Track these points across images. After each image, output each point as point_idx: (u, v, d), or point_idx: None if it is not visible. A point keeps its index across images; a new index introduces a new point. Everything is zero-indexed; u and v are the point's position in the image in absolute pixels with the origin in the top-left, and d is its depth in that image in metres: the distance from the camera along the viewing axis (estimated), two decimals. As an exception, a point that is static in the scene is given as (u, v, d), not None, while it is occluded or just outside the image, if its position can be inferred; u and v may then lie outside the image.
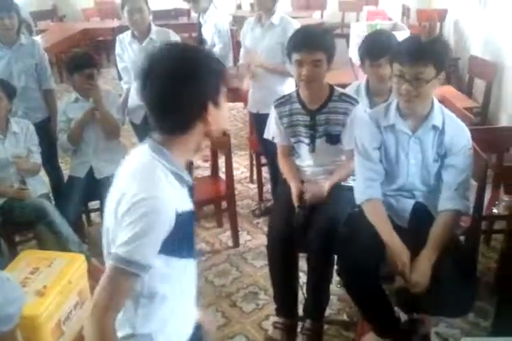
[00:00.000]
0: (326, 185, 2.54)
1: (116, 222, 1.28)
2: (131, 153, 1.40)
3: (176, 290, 1.38)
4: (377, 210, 2.24)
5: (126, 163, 1.37)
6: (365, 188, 2.26)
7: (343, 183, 2.59)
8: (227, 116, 1.44)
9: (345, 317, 2.74)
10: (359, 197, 2.28)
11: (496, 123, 4.41)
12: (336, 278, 2.61)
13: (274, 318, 2.67)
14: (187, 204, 1.34)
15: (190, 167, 1.50)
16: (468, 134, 2.22)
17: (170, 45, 1.35)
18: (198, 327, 1.55)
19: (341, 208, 2.46)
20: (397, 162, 2.26)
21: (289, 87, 3.50)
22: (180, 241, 1.31)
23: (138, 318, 1.35)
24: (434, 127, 2.17)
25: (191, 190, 1.39)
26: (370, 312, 2.31)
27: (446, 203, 2.17)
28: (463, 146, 2.18)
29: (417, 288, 2.04)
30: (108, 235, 1.34)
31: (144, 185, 1.26)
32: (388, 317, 2.30)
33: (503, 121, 4.36)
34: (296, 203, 2.51)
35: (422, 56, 2.02)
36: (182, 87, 1.26)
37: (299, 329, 2.58)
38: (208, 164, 3.91)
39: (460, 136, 2.19)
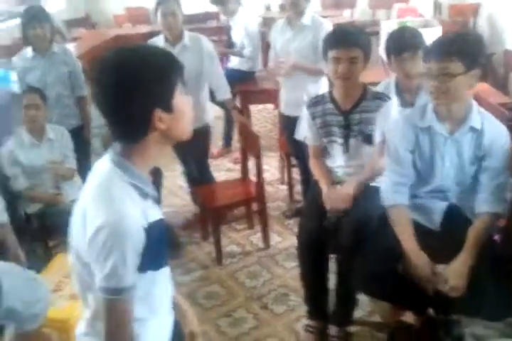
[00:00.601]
0: (350, 189, 2.50)
1: (85, 243, 1.25)
2: (95, 165, 1.36)
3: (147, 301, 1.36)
4: (402, 218, 2.20)
5: (90, 175, 1.34)
6: (392, 193, 2.24)
7: (373, 184, 2.56)
8: (188, 116, 1.33)
9: (377, 318, 2.71)
10: (386, 201, 2.26)
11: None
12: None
13: (305, 321, 2.66)
14: (153, 215, 1.30)
15: (156, 176, 1.42)
16: (507, 133, 2.16)
17: (113, 53, 1.27)
18: (176, 326, 1.54)
19: (372, 210, 2.43)
20: (431, 164, 2.21)
21: (322, 87, 3.48)
22: (156, 252, 1.29)
23: None
24: (473, 129, 2.13)
25: (157, 199, 1.37)
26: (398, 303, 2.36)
27: (484, 206, 2.12)
28: (502, 148, 2.13)
29: (454, 292, 2.00)
30: (78, 250, 1.31)
31: (104, 208, 1.22)
32: (418, 303, 2.29)
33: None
34: (327, 206, 2.49)
35: (445, 51, 2.01)
36: (122, 99, 1.21)
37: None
38: (238, 166, 3.92)
39: (499, 137, 2.14)
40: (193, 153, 3.50)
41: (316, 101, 2.66)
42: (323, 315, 2.59)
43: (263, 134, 5.11)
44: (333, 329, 2.55)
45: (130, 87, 1.21)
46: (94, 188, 1.28)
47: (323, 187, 2.55)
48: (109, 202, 1.22)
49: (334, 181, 2.63)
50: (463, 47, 2.02)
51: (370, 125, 2.52)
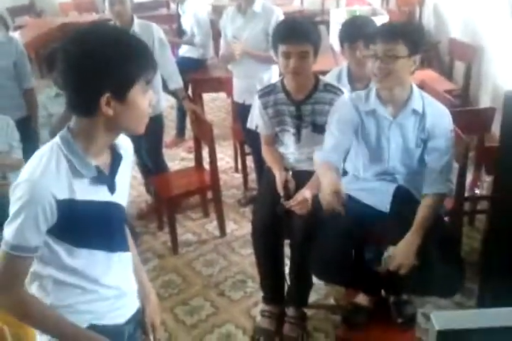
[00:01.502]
0: (307, 194, 2.40)
1: None
2: None
3: (90, 279, 1.41)
4: (329, 168, 2.22)
5: None
6: (326, 153, 2.30)
7: None
8: (142, 113, 1.32)
9: (332, 301, 2.78)
10: (317, 161, 2.32)
11: (477, 105, 4.43)
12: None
13: (261, 306, 2.69)
14: (85, 195, 1.32)
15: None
16: (450, 117, 2.25)
17: (93, 26, 1.33)
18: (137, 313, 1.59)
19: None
20: (378, 147, 2.28)
21: (274, 74, 3.49)
22: (79, 229, 1.33)
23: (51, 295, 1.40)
24: (415, 111, 2.20)
25: (103, 181, 1.37)
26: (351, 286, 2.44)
27: (430, 187, 2.19)
28: (445, 129, 2.21)
29: (401, 270, 2.07)
30: None
31: (27, 170, 1.28)
32: (371, 284, 2.37)
33: (484, 103, 4.38)
34: (280, 192, 2.52)
35: (392, 33, 2.10)
36: (80, 70, 1.23)
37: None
38: (192, 155, 3.91)
39: (441, 119, 2.22)
40: (147, 142, 3.47)
41: (267, 91, 2.66)
42: (280, 300, 2.63)
43: (217, 123, 5.10)
44: (290, 311, 2.59)
45: (91, 63, 1.22)
46: (34, 154, 1.33)
47: (276, 173, 2.57)
48: (35, 166, 1.27)
49: (286, 167, 2.66)
50: (408, 32, 2.12)
51: (322, 116, 2.54)
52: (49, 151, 1.31)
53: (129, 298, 1.55)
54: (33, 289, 1.39)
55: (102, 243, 1.40)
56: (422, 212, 2.15)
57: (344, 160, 2.40)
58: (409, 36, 2.11)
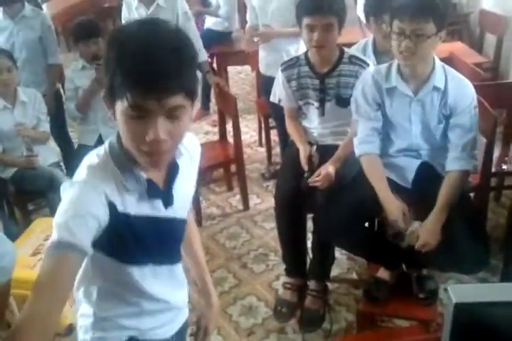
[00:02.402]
0: (330, 169, 2.42)
1: None
2: None
3: (135, 292, 1.29)
4: (374, 164, 2.24)
5: None
6: (363, 144, 2.27)
7: None
8: (125, 131, 1.08)
9: (354, 275, 2.79)
10: (357, 152, 2.29)
11: (507, 79, 4.32)
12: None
13: (284, 279, 2.72)
14: (136, 209, 1.19)
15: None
16: (473, 92, 2.17)
17: (146, 21, 1.10)
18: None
19: (347, 169, 2.46)
20: (399, 124, 2.24)
21: (301, 46, 3.44)
22: (127, 245, 1.19)
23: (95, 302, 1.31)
24: (436, 88, 2.14)
25: (156, 195, 1.22)
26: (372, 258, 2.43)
27: (454, 163, 2.15)
28: (468, 105, 2.14)
29: (426, 248, 2.06)
30: None
31: (80, 171, 1.16)
32: (391, 259, 2.36)
33: (515, 76, 4.27)
34: (304, 166, 2.51)
35: (421, 10, 1.99)
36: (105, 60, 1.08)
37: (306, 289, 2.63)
38: (216, 129, 3.91)
39: (464, 95, 2.15)
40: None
41: (291, 64, 2.63)
42: (301, 273, 2.65)
43: (241, 96, 5.08)
44: (312, 284, 2.61)
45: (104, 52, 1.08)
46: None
47: (300, 147, 2.56)
48: (90, 167, 1.16)
49: (310, 142, 2.64)
50: (436, 8, 2.02)
51: (346, 89, 2.51)
52: (100, 160, 1.17)
53: (177, 312, 1.45)
54: (80, 295, 1.33)
55: (151, 259, 1.27)
56: (445, 189, 2.11)
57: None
58: (438, 12, 2.00)
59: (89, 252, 1.08)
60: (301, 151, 2.55)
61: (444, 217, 2.07)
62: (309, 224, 2.62)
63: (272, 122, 3.87)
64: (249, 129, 4.55)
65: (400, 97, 2.19)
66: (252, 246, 3.14)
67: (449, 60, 3.25)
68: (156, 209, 1.23)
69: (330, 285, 2.68)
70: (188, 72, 1.06)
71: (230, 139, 3.53)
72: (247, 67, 5.44)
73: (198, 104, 4.91)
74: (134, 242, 1.20)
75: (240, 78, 5.78)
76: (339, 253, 2.72)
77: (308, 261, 2.65)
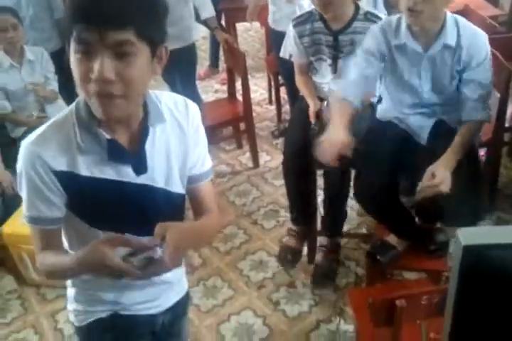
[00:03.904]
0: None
1: None
2: None
3: None
4: (342, 106, 2.12)
5: None
6: (348, 88, 2.17)
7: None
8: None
9: (364, 230, 2.80)
10: (339, 92, 2.18)
11: (523, 32, 4.20)
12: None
13: (289, 226, 2.75)
14: (95, 170, 1.13)
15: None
16: (487, 44, 2.09)
17: None
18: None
19: (359, 124, 2.43)
20: (410, 81, 2.18)
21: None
22: (92, 208, 1.16)
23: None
24: (447, 46, 2.06)
25: (120, 158, 1.14)
26: (389, 224, 2.35)
27: (468, 114, 2.10)
28: (482, 59, 2.07)
29: (443, 186, 1.92)
30: None
31: (36, 131, 1.14)
32: (407, 226, 2.34)
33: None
34: (312, 120, 2.48)
35: None
36: None
37: (318, 244, 2.65)
38: (225, 87, 3.87)
39: (478, 49, 2.07)
40: (180, 74, 3.43)
41: (303, 20, 2.55)
42: (307, 221, 2.65)
43: (250, 54, 5.00)
44: (324, 240, 2.63)
45: None
46: None
47: (310, 102, 2.52)
48: (40, 130, 1.13)
49: (321, 97, 2.61)
50: None
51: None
52: (62, 115, 1.14)
53: (166, 289, 1.37)
54: None
55: (113, 226, 1.17)
56: (459, 137, 2.05)
57: (373, 89, 2.31)
58: None
59: (59, 216, 1.17)
60: (311, 106, 2.51)
61: (454, 161, 1.98)
62: (319, 182, 2.61)
63: (281, 80, 3.82)
64: (259, 87, 4.49)
65: (409, 54, 2.12)
66: (262, 202, 3.15)
67: (464, 13, 3.15)
68: (122, 174, 1.15)
69: (340, 241, 2.70)
70: (143, 7, 1.00)
71: (239, 97, 3.50)
72: (256, 24, 5.33)
73: (206, 62, 4.85)
74: (92, 205, 1.15)
75: (249, 35, 5.67)
76: (349, 209, 2.72)
77: (319, 217, 2.66)
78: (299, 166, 2.52)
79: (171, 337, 1.48)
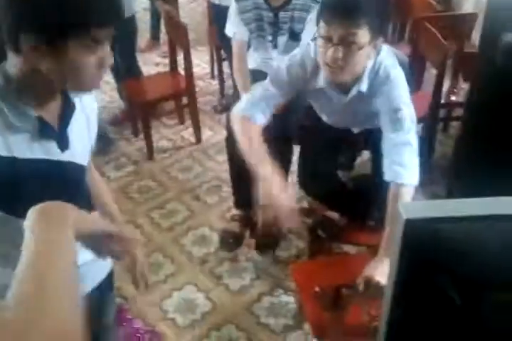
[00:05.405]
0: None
1: None
2: None
3: None
4: (253, 133, 1.86)
5: None
6: (251, 105, 1.88)
7: None
8: (82, 76, 1.04)
9: (305, 204, 2.84)
10: (236, 113, 1.90)
11: (459, 11, 4.31)
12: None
13: (232, 211, 2.75)
14: (27, 152, 1.06)
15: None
16: (404, 91, 1.80)
17: None
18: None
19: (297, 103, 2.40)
20: (331, 114, 2.16)
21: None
22: (19, 195, 1.05)
23: None
24: (360, 93, 1.86)
25: (49, 135, 1.10)
26: (330, 203, 2.45)
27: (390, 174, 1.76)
28: (397, 105, 1.77)
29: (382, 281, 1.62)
30: None
31: None
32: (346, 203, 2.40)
33: (467, 9, 4.26)
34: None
35: (353, 14, 1.60)
36: None
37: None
38: (167, 60, 3.78)
39: (391, 95, 1.80)
40: (119, 45, 3.32)
41: None
42: (249, 205, 2.66)
43: (193, 27, 4.84)
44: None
45: None
46: None
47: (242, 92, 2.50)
48: None
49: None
50: (371, 10, 1.62)
51: (300, 23, 2.46)
52: None
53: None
54: None
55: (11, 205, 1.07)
56: (388, 228, 1.80)
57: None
58: (372, 16, 1.61)
59: None
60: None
61: (388, 266, 1.47)
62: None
63: (224, 54, 3.77)
64: (201, 61, 4.43)
65: (328, 98, 1.97)
66: (205, 178, 3.14)
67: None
68: (49, 152, 1.10)
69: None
70: None
71: (181, 71, 3.43)
72: (199, -4, 5.24)
73: (146, 34, 4.73)
74: (21, 189, 1.06)
75: (190, 8, 5.55)
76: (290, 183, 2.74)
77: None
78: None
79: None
